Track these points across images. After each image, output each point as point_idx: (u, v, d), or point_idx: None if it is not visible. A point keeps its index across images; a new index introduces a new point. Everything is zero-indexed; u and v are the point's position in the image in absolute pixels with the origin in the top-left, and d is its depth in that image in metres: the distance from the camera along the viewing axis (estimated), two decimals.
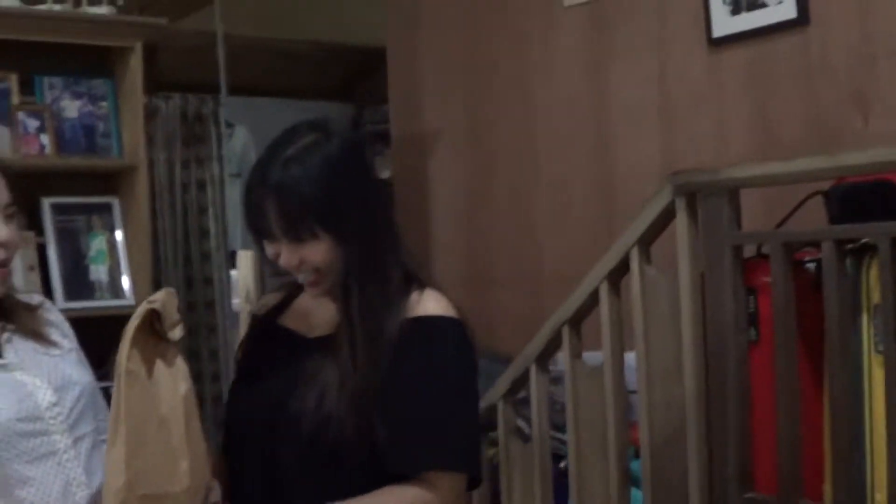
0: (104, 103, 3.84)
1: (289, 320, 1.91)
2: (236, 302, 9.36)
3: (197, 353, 5.34)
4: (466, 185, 4.27)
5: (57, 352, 1.83)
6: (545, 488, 2.88)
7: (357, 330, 1.73)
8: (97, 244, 3.80)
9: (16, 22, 3.56)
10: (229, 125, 5.54)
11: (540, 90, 3.88)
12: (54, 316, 1.91)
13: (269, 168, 1.74)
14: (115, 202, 3.85)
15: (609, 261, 2.62)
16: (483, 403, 3.07)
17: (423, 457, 1.71)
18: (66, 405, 1.74)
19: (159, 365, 1.63)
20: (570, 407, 2.79)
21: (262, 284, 7.70)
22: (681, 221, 2.52)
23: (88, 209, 3.81)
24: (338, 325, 1.77)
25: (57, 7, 3.74)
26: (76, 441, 1.73)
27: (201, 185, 5.51)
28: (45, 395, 1.71)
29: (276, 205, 1.71)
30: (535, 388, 2.91)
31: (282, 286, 2.00)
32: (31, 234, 3.63)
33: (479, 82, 4.14)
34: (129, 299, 3.76)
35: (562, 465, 2.95)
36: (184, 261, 5.49)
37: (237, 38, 5.64)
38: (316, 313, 1.86)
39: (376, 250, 1.78)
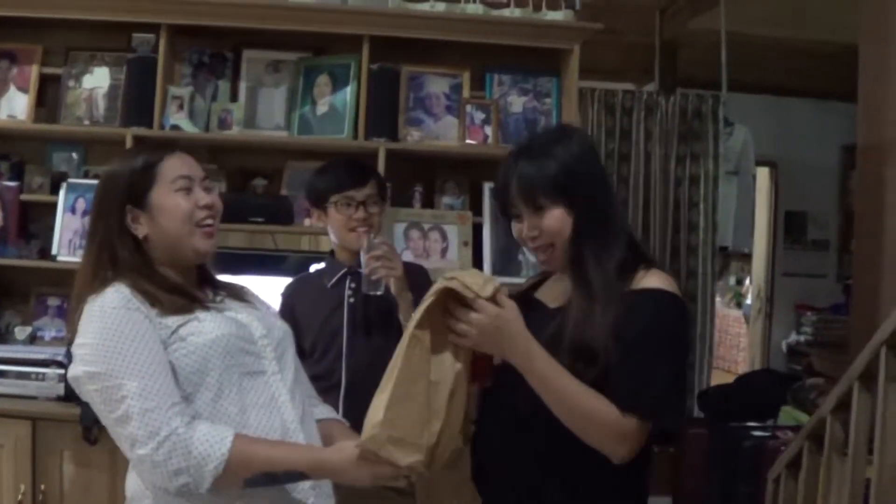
0: (548, 99, 4.16)
1: (540, 294, 2.27)
2: (748, 302, 9.31)
3: None
4: None
5: (260, 309, 2.23)
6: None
7: (585, 296, 2.02)
8: None
9: (476, 26, 4.03)
10: (729, 123, 5.56)
11: None
12: (254, 292, 2.32)
13: (519, 158, 2.12)
14: None
15: None
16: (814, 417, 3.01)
17: (626, 401, 1.92)
18: (274, 340, 2.13)
19: (445, 341, 1.92)
20: (879, 427, 2.69)
21: (771, 285, 7.61)
22: None
23: None
24: (570, 296, 2.08)
25: (517, 12, 4.14)
26: (282, 369, 2.11)
27: (694, 181, 5.59)
28: (257, 328, 2.11)
29: (519, 180, 2.09)
30: (856, 407, 2.80)
31: (542, 273, 2.36)
32: (468, 214, 4.11)
33: None
34: None
35: None
36: (672, 252, 5.65)
37: (748, 36, 5.65)
38: (557, 288, 2.19)
39: (601, 224, 2.08)
